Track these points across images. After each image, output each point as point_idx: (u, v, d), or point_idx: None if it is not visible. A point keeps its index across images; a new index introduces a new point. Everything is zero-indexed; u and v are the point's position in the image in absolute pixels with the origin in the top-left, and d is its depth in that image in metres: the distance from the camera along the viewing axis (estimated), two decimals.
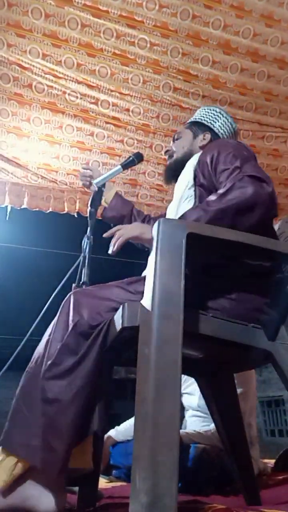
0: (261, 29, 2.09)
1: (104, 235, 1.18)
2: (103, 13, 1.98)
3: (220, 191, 1.08)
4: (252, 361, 1.17)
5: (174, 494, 0.67)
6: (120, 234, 1.15)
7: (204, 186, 1.28)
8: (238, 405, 1.32)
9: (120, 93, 2.31)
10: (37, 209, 2.84)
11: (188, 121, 1.63)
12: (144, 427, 0.71)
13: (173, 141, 1.58)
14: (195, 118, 1.58)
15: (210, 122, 1.53)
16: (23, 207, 2.79)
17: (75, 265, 1.67)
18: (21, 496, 0.93)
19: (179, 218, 1.09)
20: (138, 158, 1.68)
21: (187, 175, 1.35)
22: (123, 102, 2.36)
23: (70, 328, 1.02)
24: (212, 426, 1.70)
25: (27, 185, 2.77)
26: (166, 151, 1.58)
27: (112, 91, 2.30)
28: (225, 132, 1.51)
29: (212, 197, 1.07)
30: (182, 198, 1.31)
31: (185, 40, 2.11)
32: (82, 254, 1.57)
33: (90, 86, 2.27)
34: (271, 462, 2.12)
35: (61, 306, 1.10)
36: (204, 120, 1.54)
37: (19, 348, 2.18)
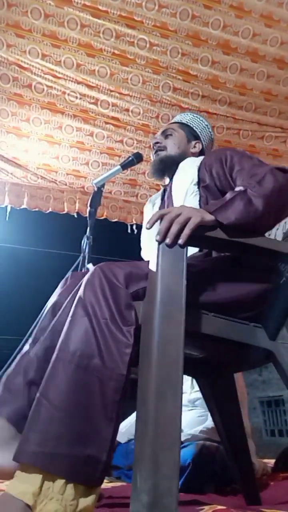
0: (260, 29, 2.10)
1: (147, 225, 0.95)
2: (103, 13, 1.98)
3: (255, 178, 1.06)
4: (253, 360, 1.17)
5: (175, 494, 0.67)
6: (183, 221, 0.90)
7: (208, 187, 1.27)
8: (238, 405, 1.32)
9: (120, 93, 2.32)
10: (36, 209, 2.84)
11: (177, 119, 1.59)
12: (145, 427, 0.71)
13: (163, 134, 1.53)
14: (187, 121, 1.57)
15: (200, 132, 1.55)
16: (22, 207, 2.79)
17: (74, 265, 1.67)
18: None
19: (219, 203, 0.98)
20: (137, 158, 1.68)
21: (189, 172, 1.34)
22: (123, 102, 2.36)
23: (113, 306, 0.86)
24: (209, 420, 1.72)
25: (27, 185, 2.77)
26: (156, 143, 1.52)
27: (111, 91, 2.30)
28: (206, 143, 1.56)
29: (250, 183, 1.03)
30: (187, 193, 1.30)
31: (185, 40, 2.11)
32: (82, 254, 1.57)
33: (89, 86, 2.27)
34: (271, 462, 2.12)
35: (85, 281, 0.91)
36: (196, 128, 1.56)
37: (18, 348, 2.18)
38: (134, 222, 3.04)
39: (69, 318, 0.86)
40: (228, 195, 1.01)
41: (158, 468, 0.67)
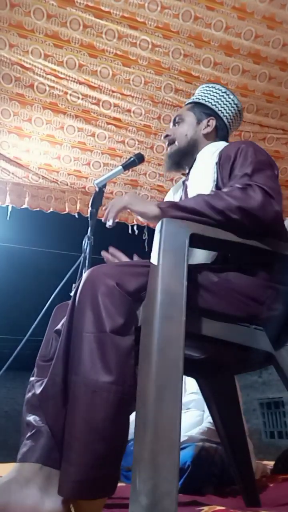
0: (262, 31, 2.10)
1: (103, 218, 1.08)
2: (105, 14, 1.98)
3: (225, 189, 1.03)
4: (253, 362, 1.17)
5: (174, 496, 0.66)
6: (111, 204, 1.06)
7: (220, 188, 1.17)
8: (239, 406, 1.32)
9: (122, 94, 2.32)
10: (38, 209, 2.84)
11: (189, 101, 1.46)
12: (144, 429, 0.71)
13: (174, 123, 1.41)
14: (198, 98, 1.40)
15: (215, 105, 1.36)
16: (24, 207, 2.79)
17: (75, 265, 1.67)
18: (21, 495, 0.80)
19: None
20: (139, 159, 1.68)
21: (208, 173, 1.21)
22: (125, 103, 2.36)
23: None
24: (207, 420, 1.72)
25: (28, 185, 2.77)
26: (166, 136, 1.40)
27: (113, 92, 2.30)
28: (230, 115, 1.37)
29: (217, 192, 1.02)
30: None
31: (187, 42, 2.11)
32: (83, 255, 1.57)
33: (91, 87, 2.27)
34: (270, 463, 2.11)
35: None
36: (208, 101, 1.37)
37: (18, 348, 2.19)
38: (135, 222, 3.04)
39: (76, 340, 0.86)
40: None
41: (158, 470, 0.67)
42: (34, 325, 2.11)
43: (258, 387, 11.85)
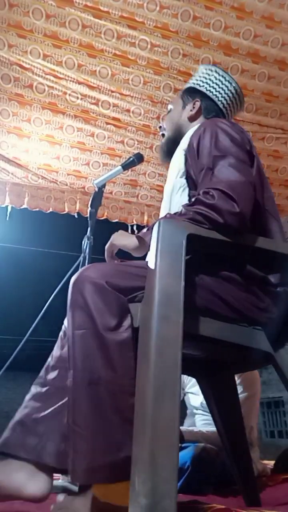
0: (261, 30, 2.10)
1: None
2: (104, 14, 1.98)
3: (184, 206, 1.01)
4: (253, 362, 1.17)
5: (173, 497, 0.66)
6: (107, 246, 1.18)
7: (192, 178, 1.13)
8: (239, 406, 1.32)
9: (121, 93, 2.32)
10: (37, 209, 2.85)
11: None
12: (143, 429, 0.71)
13: (168, 113, 1.40)
14: (188, 84, 1.37)
15: (203, 86, 1.30)
16: (23, 207, 2.79)
17: (75, 265, 1.67)
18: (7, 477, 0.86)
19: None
20: (138, 158, 1.68)
21: (177, 160, 1.20)
22: (124, 102, 2.36)
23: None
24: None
25: (28, 185, 2.77)
26: (159, 127, 1.40)
27: (112, 91, 2.30)
28: (221, 94, 1.28)
29: (179, 210, 1.01)
30: (174, 189, 1.17)
31: (186, 41, 2.11)
32: (82, 255, 1.57)
33: (90, 87, 2.27)
34: (270, 463, 2.11)
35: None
36: (196, 84, 1.32)
37: (18, 348, 2.18)
38: (135, 222, 3.04)
39: (69, 340, 0.89)
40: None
41: (157, 471, 0.67)
42: (34, 325, 2.11)
43: None
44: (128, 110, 2.40)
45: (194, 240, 0.90)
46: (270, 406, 11.96)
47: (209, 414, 1.82)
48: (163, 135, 1.38)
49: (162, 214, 1.22)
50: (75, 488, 1.09)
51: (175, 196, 1.16)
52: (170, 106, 1.39)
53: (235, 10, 2.02)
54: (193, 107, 1.30)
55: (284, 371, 0.98)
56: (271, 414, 11.94)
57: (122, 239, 1.16)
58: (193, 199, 1.01)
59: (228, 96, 1.30)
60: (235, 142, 1.07)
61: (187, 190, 1.14)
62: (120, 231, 1.20)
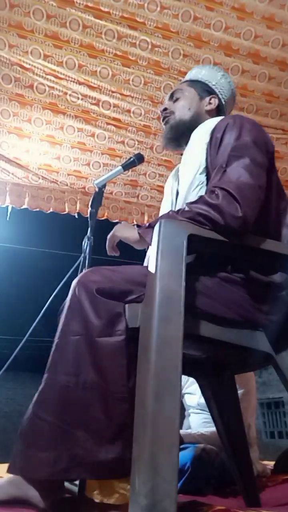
0: (262, 31, 2.10)
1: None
2: (105, 14, 1.98)
3: (187, 204, 1.01)
4: (253, 363, 1.17)
5: (174, 497, 0.66)
6: (109, 236, 1.20)
7: (210, 175, 1.10)
8: (238, 406, 1.32)
9: (121, 94, 2.32)
10: (37, 210, 2.85)
11: (187, 77, 1.41)
12: (143, 429, 0.71)
13: (171, 99, 1.34)
14: (197, 77, 1.36)
15: (214, 85, 1.32)
16: (23, 207, 2.79)
17: (75, 265, 1.67)
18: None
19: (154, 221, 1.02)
20: (138, 159, 1.68)
21: (198, 154, 1.14)
22: (124, 103, 2.36)
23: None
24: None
25: (28, 185, 2.77)
26: (164, 109, 1.33)
27: (113, 92, 2.30)
28: (227, 96, 1.34)
29: (187, 205, 1.00)
30: (192, 184, 1.12)
31: (186, 42, 2.11)
32: (83, 255, 1.57)
33: (91, 87, 2.27)
34: (270, 464, 2.11)
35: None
36: (208, 81, 1.33)
37: (18, 348, 2.18)
38: (135, 222, 3.04)
39: (59, 343, 0.90)
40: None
41: (157, 471, 0.67)
42: (33, 326, 2.11)
43: (258, 387, 11.84)
44: (128, 111, 2.40)
45: (195, 240, 0.90)
46: (270, 406, 11.96)
47: (207, 413, 1.84)
48: (166, 119, 1.32)
49: (162, 213, 1.21)
50: (75, 488, 1.10)
51: (192, 192, 1.12)
52: (179, 92, 1.33)
53: (235, 11, 2.02)
54: (210, 102, 1.31)
55: (285, 372, 0.98)
56: (271, 415, 11.93)
57: (124, 231, 1.17)
58: (197, 197, 1.02)
59: (230, 99, 1.37)
60: (256, 143, 1.06)
61: (204, 188, 1.10)
62: (124, 223, 1.24)
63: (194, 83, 1.35)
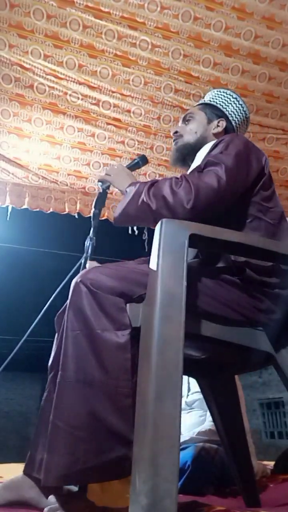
0: (262, 31, 2.10)
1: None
2: (105, 14, 1.98)
3: (159, 181, 1.08)
4: (253, 362, 1.17)
5: (174, 496, 0.66)
6: (101, 175, 1.33)
7: None
8: (239, 406, 1.32)
9: (121, 94, 2.32)
10: (37, 210, 2.85)
11: (199, 102, 1.50)
12: (144, 429, 0.71)
13: (184, 121, 1.43)
14: (209, 100, 1.44)
15: (225, 108, 1.39)
16: (23, 207, 2.79)
17: (76, 265, 1.67)
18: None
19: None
20: (143, 161, 1.66)
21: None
22: (124, 103, 2.36)
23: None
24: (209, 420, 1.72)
25: (28, 185, 2.77)
26: (175, 132, 1.42)
27: (113, 92, 2.30)
28: (238, 120, 1.40)
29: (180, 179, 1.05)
30: None
31: (187, 42, 2.11)
32: (84, 255, 1.57)
33: (91, 87, 2.27)
34: (270, 464, 2.11)
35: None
36: (219, 104, 1.40)
37: (16, 348, 2.18)
38: None
39: (63, 341, 0.91)
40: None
41: (158, 470, 0.67)
42: (33, 326, 2.11)
43: (258, 387, 11.85)
44: (128, 111, 2.40)
45: (196, 240, 0.90)
46: (270, 407, 11.95)
47: (198, 409, 1.84)
48: (175, 141, 1.41)
49: None
50: (75, 488, 1.10)
51: None
52: (190, 116, 1.42)
53: (236, 11, 2.02)
54: (218, 125, 1.37)
55: (285, 371, 0.98)
56: (271, 415, 11.93)
57: (116, 180, 1.24)
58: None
59: (242, 123, 1.42)
60: (239, 155, 1.10)
61: None
62: (121, 168, 1.29)
63: (205, 106, 1.42)
